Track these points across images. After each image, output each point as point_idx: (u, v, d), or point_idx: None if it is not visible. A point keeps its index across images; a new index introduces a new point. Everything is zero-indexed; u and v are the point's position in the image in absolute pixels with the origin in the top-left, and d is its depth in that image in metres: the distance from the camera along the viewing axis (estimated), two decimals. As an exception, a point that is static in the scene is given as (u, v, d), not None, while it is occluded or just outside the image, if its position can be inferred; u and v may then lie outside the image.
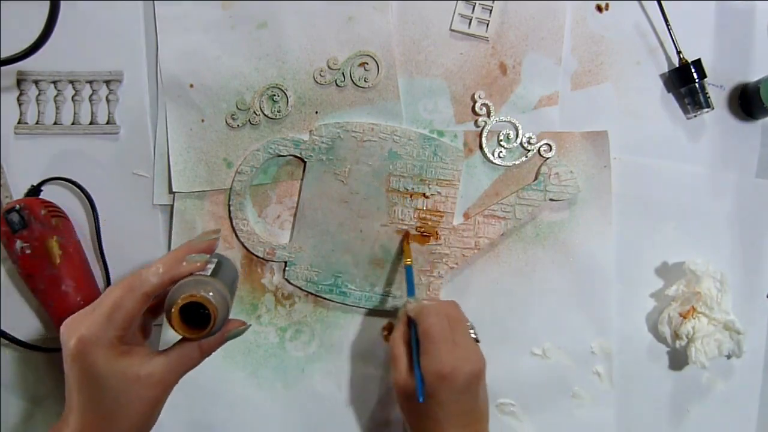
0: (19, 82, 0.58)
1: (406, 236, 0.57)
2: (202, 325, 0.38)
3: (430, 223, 0.57)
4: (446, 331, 0.45)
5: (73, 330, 0.38)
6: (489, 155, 0.58)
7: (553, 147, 0.58)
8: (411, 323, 0.48)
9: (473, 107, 0.58)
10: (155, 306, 0.43)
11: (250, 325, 0.44)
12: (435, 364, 0.44)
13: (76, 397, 0.38)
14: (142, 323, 0.42)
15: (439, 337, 0.45)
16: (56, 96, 0.58)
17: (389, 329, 0.58)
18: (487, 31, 0.58)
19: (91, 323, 0.37)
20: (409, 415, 0.47)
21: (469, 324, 0.49)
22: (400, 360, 0.46)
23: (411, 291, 0.52)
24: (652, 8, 0.58)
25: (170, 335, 0.57)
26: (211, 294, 0.38)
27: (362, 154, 0.57)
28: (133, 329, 0.40)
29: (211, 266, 0.42)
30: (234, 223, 0.58)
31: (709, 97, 0.57)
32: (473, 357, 0.45)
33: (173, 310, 0.37)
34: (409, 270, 0.54)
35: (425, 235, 0.57)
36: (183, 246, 0.42)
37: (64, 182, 0.58)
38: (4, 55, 0.53)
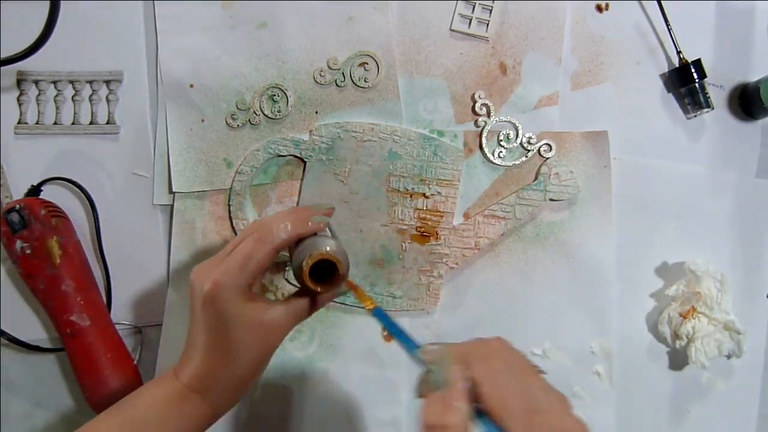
0: (19, 82, 0.58)
1: (351, 285, 0.45)
2: (324, 280, 0.41)
3: (430, 223, 0.57)
4: (523, 374, 0.34)
5: (207, 275, 0.40)
6: (489, 155, 0.58)
7: (553, 147, 0.58)
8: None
9: (473, 107, 0.58)
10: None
11: (349, 278, 0.43)
12: (530, 425, 0.31)
13: (204, 338, 0.40)
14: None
15: (524, 393, 0.33)
16: (56, 96, 0.58)
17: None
18: (487, 31, 0.58)
19: (226, 270, 0.40)
20: None
21: (537, 368, 0.36)
22: None
23: (408, 342, 0.39)
24: (652, 8, 0.58)
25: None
26: (337, 252, 0.41)
27: (362, 154, 0.57)
28: (261, 279, 0.43)
29: (328, 230, 0.45)
30: (234, 223, 0.58)
31: (709, 97, 0.57)
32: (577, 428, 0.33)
33: (305, 266, 0.40)
34: (378, 313, 0.42)
35: (425, 235, 0.57)
36: (304, 208, 0.45)
37: (64, 182, 0.58)
38: (4, 55, 0.53)
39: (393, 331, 0.40)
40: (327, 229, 0.45)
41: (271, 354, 0.43)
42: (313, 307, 0.43)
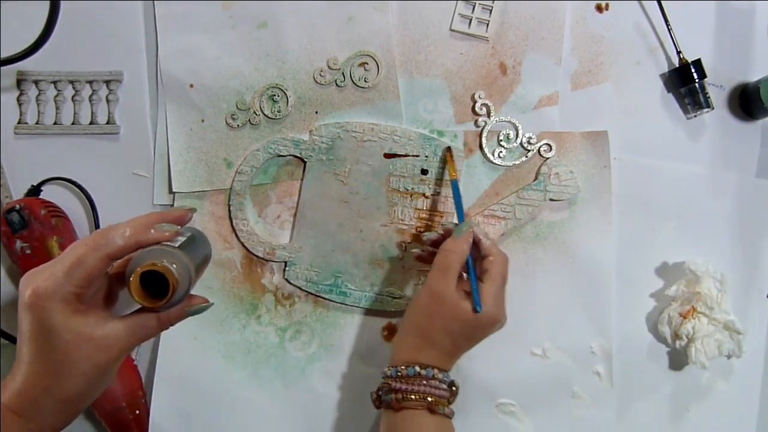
0: (19, 82, 0.58)
1: (448, 150, 0.56)
2: (164, 295, 0.38)
3: (430, 223, 0.57)
4: (507, 282, 0.49)
5: (31, 280, 0.37)
6: (489, 155, 0.58)
7: (553, 147, 0.58)
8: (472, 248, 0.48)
9: (473, 107, 0.58)
10: (122, 273, 0.41)
11: (213, 303, 0.43)
12: (495, 306, 0.46)
13: (26, 349, 0.37)
14: (108, 288, 0.41)
15: (504, 284, 0.48)
16: (56, 96, 0.58)
17: (389, 329, 0.58)
18: (487, 31, 0.58)
19: (50, 276, 0.36)
20: (431, 321, 0.47)
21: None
22: (451, 274, 0.47)
23: (461, 211, 0.52)
24: (652, 8, 0.58)
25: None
26: (174, 266, 0.37)
27: (362, 154, 0.57)
28: (94, 289, 0.39)
29: (182, 239, 0.41)
30: (234, 223, 0.58)
31: (709, 97, 0.57)
32: (505, 313, 0.49)
33: (132, 276, 0.37)
34: (455, 185, 0.53)
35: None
36: (155, 213, 0.41)
37: (64, 182, 0.58)
38: (4, 55, 0.53)
39: (457, 201, 0.52)
40: (181, 238, 0.41)
41: (109, 372, 0.39)
42: (161, 324, 0.40)
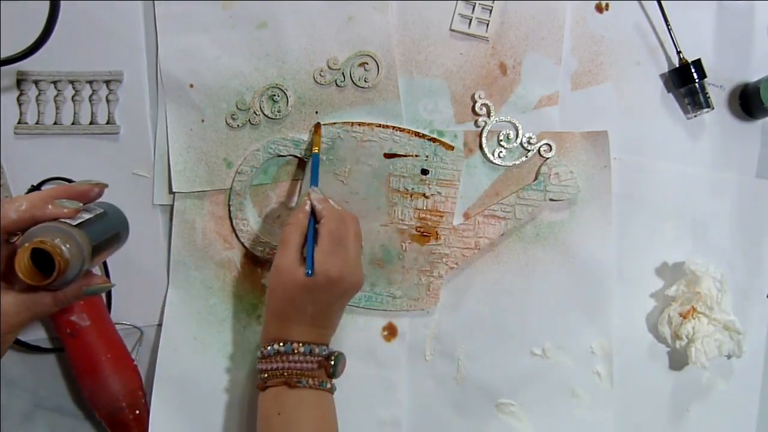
0: (19, 82, 0.58)
1: (317, 127, 0.56)
2: (50, 274, 0.36)
3: (430, 223, 0.57)
4: (347, 240, 0.49)
5: None
6: (489, 155, 0.58)
7: (553, 147, 0.58)
8: (311, 214, 0.49)
9: (473, 107, 0.58)
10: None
11: (114, 285, 0.42)
12: (327, 264, 0.46)
13: None
14: (8, 263, 0.39)
15: (339, 242, 0.48)
16: (56, 96, 0.58)
17: (389, 329, 0.58)
18: (487, 31, 0.58)
19: None
20: (275, 295, 0.48)
21: (362, 245, 0.53)
22: (292, 246, 0.48)
23: (315, 180, 0.53)
24: (652, 8, 0.58)
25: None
26: (67, 246, 0.36)
27: (362, 154, 0.57)
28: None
29: (86, 215, 0.40)
30: (234, 223, 0.57)
31: (709, 97, 0.57)
32: (358, 273, 0.49)
33: (19, 252, 0.36)
34: (315, 158, 0.54)
35: (425, 235, 0.57)
36: (58, 188, 0.39)
37: (64, 182, 0.58)
38: (4, 55, 0.53)
39: (315, 172, 0.54)
40: (85, 215, 0.40)
41: (2, 346, 0.38)
42: (57, 301, 0.39)
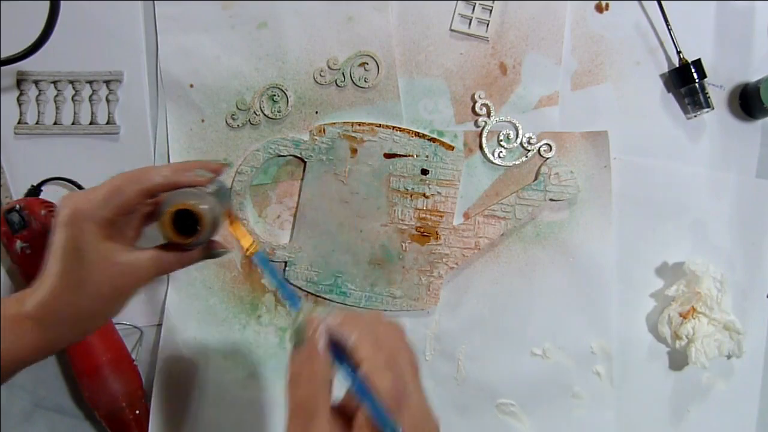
0: (19, 82, 0.58)
1: (229, 216, 0.44)
2: (190, 235, 0.40)
3: (430, 223, 0.57)
4: (398, 380, 0.33)
5: (70, 201, 0.39)
6: (489, 155, 0.58)
7: (553, 147, 0.58)
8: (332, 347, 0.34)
9: (473, 107, 0.58)
10: (152, 212, 0.43)
11: (232, 250, 0.44)
12: (409, 425, 0.32)
13: (55, 265, 0.39)
14: (138, 224, 0.43)
15: (389, 393, 0.32)
16: (56, 96, 0.58)
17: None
18: (487, 31, 0.58)
19: (89, 199, 0.38)
20: None
21: (415, 356, 0.36)
22: (318, 414, 0.32)
23: (291, 296, 0.39)
24: (652, 8, 0.58)
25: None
26: (205, 207, 0.39)
27: (362, 154, 0.57)
28: (126, 221, 0.41)
29: (213, 187, 0.43)
30: (234, 223, 0.58)
31: (709, 97, 0.57)
32: (431, 421, 0.34)
33: (166, 212, 0.39)
34: (260, 259, 0.42)
35: (425, 235, 0.57)
36: (194, 161, 0.44)
37: (64, 182, 0.58)
38: (4, 55, 0.54)
39: (275, 281, 0.41)
40: (213, 186, 0.43)
41: (125, 297, 0.41)
42: (182, 261, 0.42)
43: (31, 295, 0.39)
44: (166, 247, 0.41)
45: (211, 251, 0.43)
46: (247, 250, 0.42)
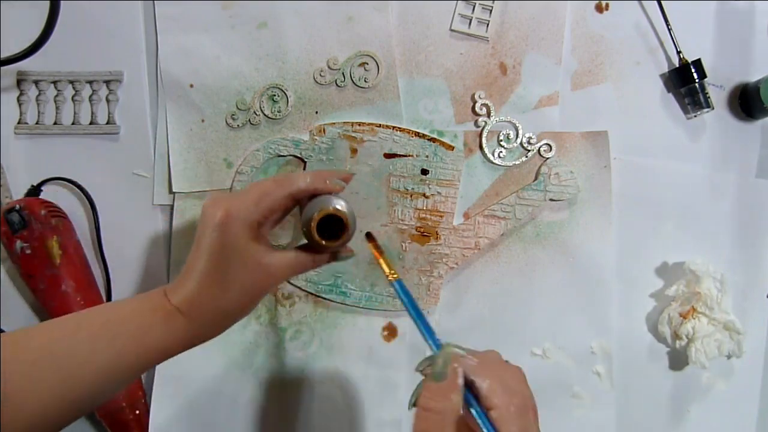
0: (19, 82, 0.58)
1: (371, 241, 0.47)
2: (330, 238, 0.43)
3: (430, 223, 0.57)
4: (524, 430, 0.35)
5: (221, 204, 0.41)
6: (489, 155, 0.58)
7: (553, 147, 0.58)
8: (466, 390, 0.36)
9: (473, 107, 0.58)
10: (281, 217, 0.46)
11: (355, 255, 0.48)
12: None
13: (203, 264, 0.41)
14: (271, 226, 0.45)
15: (520, 406, 0.36)
16: (56, 96, 0.58)
17: (389, 329, 0.58)
18: (487, 31, 0.58)
19: (240, 202, 0.41)
20: None
21: (535, 405, 0.38)
22: None
23: (430, 333, 0.40)
24: (652, 8, 0.58)
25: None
26: (348, 213, 0.43)
27: (362, 154, 0.57)
28: (271, 222, 0.44)
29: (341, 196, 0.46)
30: (234, 223, 0.57)
31: (709, 97, 0.57)
32: None
33: (314, 218, 0.42)
34: (402, 291, 0.43)
35: (425, 235, 0.57)
36: (327, 171, 0.47)
37: (64, 182, 0.58)
38: (4, 55, 0.54)
39: (414, 315, 0.41)
40: (340, 195, 0.46)
41: (262, 295, 0.44)
42: (315, 262, 0.45)
43: (176, 290, 0.42)
44: (303, 248, 0.44)
45: (339, 255, 0.46)
46: (389, 275, 0.44)
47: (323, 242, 0.43)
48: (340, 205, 0.43)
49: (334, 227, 0.43)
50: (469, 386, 0.35)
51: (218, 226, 0.41)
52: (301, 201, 0.44)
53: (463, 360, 0.37)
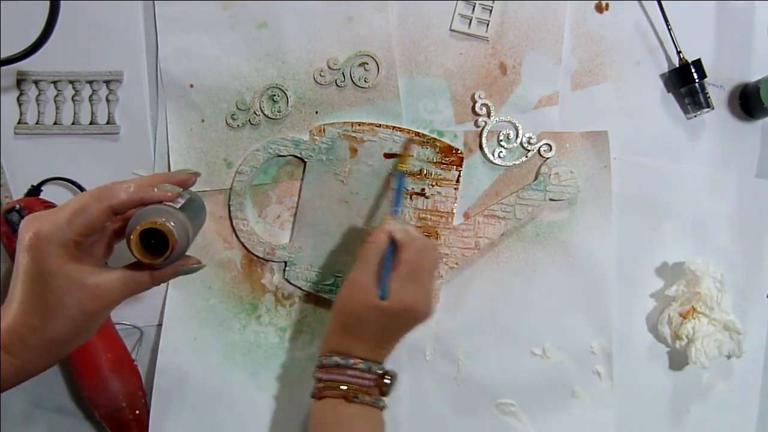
0: (19, 82, 0.58)
1: (409, 140, 0.56)
2: (160, 253, 0.39)
3: (430, 223, 0.57)
4: (423, 271, 0.48)
5: (33, 223, 0.38)
6: (489, 155, 0.58)
7: (553, 147, 0.58)
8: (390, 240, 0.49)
9: (473, 107, 0.58)
10: (121, 228, 0.43)
11: (205, 265, 0.45)
12: (401, 293, 0.46)
13: (21, 288, 0.38)
14: (107, 241, 0.43)
15: (416, 273, 0.47)
16: (56, 96, 0.58)
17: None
18: (487, 31, 0.58)
19: (52, 221, 0.38)
20: (345, 307, 0.48)
21: (438, 271, 0.54)
22: (370, 264, 0.48)
23: (397, 202, 0.53)
24: (652, 8, 0.58)
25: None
26: (172, 224, 0.39)
27: (362, 154, 0.57)
28: (92, 239, 0.40)
29: (182, 201, 0.42)
30: (234, 223, 0.58)
31: (709, 97, 0.57)
32: (430, 305, 0.48)
33: (134, 232, 0.38)
34: (400, 177, 0.54)
35: (425, 235, 0.57)
36: (160, 174, 0.42)
37: (64, 182, 0.58)
38: (4, 55, 0.53)
39: (398, 193, 0.53)
40: (181, 200, 0.42)
41: (96, 320, 0.40)
42: (154, 279, 0.41)
43: None
44: (137, 265, 0.40)
45: (183, 267, 0.42)
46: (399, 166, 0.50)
47: (144, 260, 0.39)
48: (164, 216, 0.39)
49: (163, 240, 0.38)
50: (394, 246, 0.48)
51: (28, 248, 0.37)
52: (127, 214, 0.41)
53: (394, 226, 0.49)
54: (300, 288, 0.58)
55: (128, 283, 0.40)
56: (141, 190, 0.39)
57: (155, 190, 0.40)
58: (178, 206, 0.41)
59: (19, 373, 0.39)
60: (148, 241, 0.39)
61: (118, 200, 0.39)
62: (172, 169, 0.57)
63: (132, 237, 0.38)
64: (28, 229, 0.38)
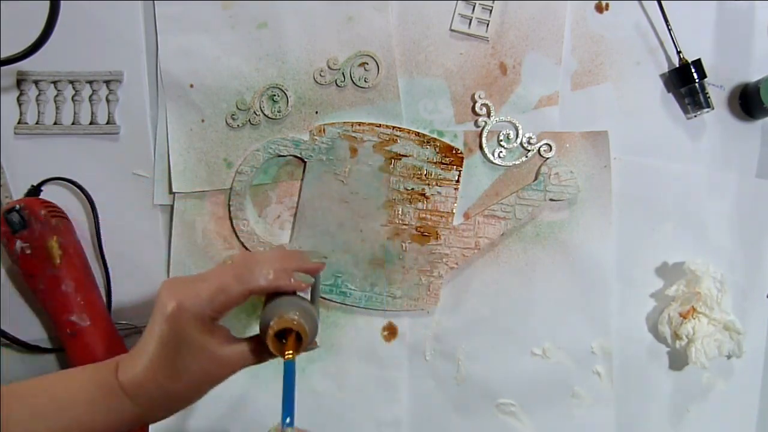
0: (19, 82, 0.58)
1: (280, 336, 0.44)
2: (293, 340, 0.41)
3: (430, 223, 0.57)
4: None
5: (176, 294, 0.40)
6: (489, 155, 0.58)
7: (553, 147, 0.58)
8: None
9: (473, 107, 0.58)
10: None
11: (320, 347, 0.47)
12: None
13: (154, 348, 0.40)
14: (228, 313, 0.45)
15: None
16: (56, 96, 0.58)
17: (389, 329, 0.58)
18: (487, 31, 0.58)
19: (195, 296, 0.40)
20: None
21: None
22: None
23: (290, 409, 0.42)
24: (652, 8, 0.58)
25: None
26: (306, 324, 0.41)
27: (362, 154, 0.57)
28: (226, 315, 0.43)
29: (310, 289, 0.45)
30: (234, 223, 0.58)
31: (709, 97, 0.57)
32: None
33: (270, 329, 0.41)
34: (290, 371, 0.41)
35: (425, 235, 0.57)
36: (294, 256, 0.44)
37: (64, 182, 0.58)
38: (4, 55, 0.53)
39: (287, 394, 0.42)
40: (311, 288, 0.45)
41: (215, 384, 0.43)
42: (272, 355, 0.43)
43: (126, 368, 0.41)
44: (260, 341, 0.43)
45: (305, 348, 0.44)
46: (286, 355, 0.42)
47: (279, 353, 0.41)
48: (298, 312, 0.41)
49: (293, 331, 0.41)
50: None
51: (169, 317, 0.40)
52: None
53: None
54: (300, 288, 0.58)
55: (251, 356, 0.43)
56: (279, 279, 0.42)
57: (291, 280, 0.42)
58: (307, 296, 0.44)
59: (139, 420, 0.41)
60: (281, 332, 0.41)
61: (257, 286, 0.41)
62: (171, 169, 0.57)
63: (270, 331, 0.40)
64: (171, 298, 0.40)
